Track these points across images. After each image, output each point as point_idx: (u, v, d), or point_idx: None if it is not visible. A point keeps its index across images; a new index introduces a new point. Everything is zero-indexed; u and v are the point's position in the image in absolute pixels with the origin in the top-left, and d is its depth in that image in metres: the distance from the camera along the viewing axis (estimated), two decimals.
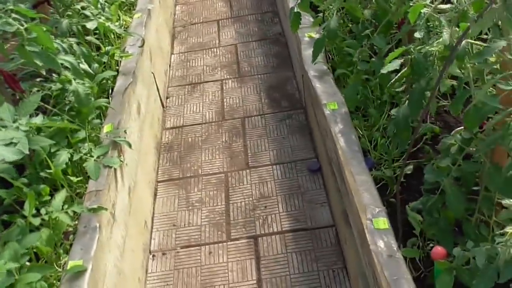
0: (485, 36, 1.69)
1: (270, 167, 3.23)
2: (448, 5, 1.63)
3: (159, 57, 3.93)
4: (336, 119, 2.57)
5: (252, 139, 3.47)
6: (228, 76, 4.13)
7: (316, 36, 3.16)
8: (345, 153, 2.37)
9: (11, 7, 2.06)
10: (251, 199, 3.05)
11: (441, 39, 1.49)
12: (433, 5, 1.60)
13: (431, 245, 1.86)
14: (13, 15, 2.04)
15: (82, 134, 2.29)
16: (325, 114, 2.65)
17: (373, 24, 2.68)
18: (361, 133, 2.57)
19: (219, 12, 5.08)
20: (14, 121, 1.74)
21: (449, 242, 1.72)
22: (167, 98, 3.97)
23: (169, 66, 4.33)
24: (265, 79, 4.05)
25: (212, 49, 4.51)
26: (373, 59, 2.50)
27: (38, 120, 1.80)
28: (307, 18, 3.28)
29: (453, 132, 2.34)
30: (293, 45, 4.06)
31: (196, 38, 4.72)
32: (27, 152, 1.61)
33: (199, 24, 4.94)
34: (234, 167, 3.28)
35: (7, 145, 1.60)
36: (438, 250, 1.58)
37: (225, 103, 3.84)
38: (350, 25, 3.01)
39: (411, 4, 1.71)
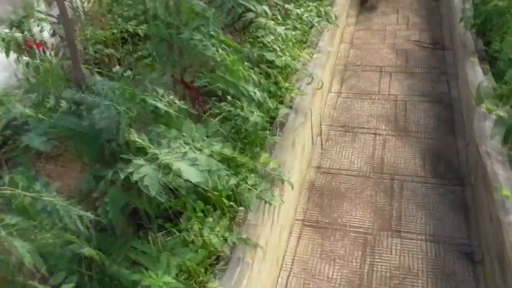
0: None
1: (419, 238, 3.02)
2: None
3: (324, 97, 3.93)
4: None
5: (405, 203, 3.28)
6: (388, 130, 4.00)
7: (498, 111, 2.92)
8: None
9: (212, 32, 2.16)
10: (391, 267, 2.87)
11: None
12: None
13: None
14: (212, 40, 2.14)
15: (250, 164, 2.32)
16: (500, 202, 2.41)
17: None
18: None
19: (390, 63, 4.99)
20: (197, 140, 1.80)
21: None
22: (325, 141, 3.92)
23: (332, 107, 4.31)
24: (427, 142, 3.84)
25: (376, 98, 4.42)
26: None
27: (219, 146, 1.84)
28: (485, 85, 3.07)
29: None
30: (460, 109, 3.83)
31: (363, 83, 4.67)
32: (207, 177, 1.64)
33: (368, 71, 4.88)
34: (380, 229, 3.11)
35: (192, 165, 1.65)
36: None
37: (382, 158, 3.70)
38: None
39: None
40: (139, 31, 3.13)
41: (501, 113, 2.84)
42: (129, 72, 2.15)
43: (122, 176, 1.62)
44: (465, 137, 3.59)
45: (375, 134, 3.95)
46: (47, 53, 3.47)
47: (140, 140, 1.60)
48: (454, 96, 4.29)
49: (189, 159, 1.76)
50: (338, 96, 4.47)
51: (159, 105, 1.73)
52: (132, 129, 1.61)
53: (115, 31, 4.09)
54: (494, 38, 3.57)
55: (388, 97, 4.41)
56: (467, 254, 2.88)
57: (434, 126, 4.00)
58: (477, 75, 3.47)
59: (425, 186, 3.41)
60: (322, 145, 3.84)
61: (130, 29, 4.19)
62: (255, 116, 2.40)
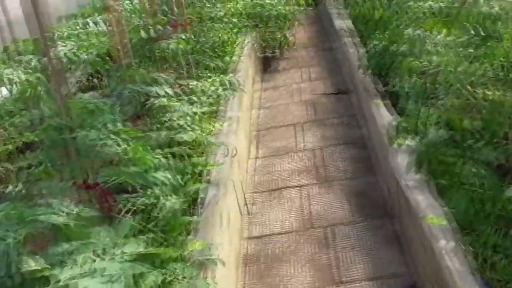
0: None
1: (363, 283, 2.97)
2: None
3: (242, 163, 3.92)
4: (442, 235, 2.36)
5: (340, 250, 3.25)
6: (311, 182, 4.03)
7: (407, 142, 3.04)
8: (455, 275, 2.13)
9: (110, 127, 2.10)
10: None
11: None
12: None
13: None
14: (111, 135, 2.07)
15: (173, 253, 2.20)
16: (428, 229, 2.45)
17: (473, 133, 2.52)
18: (473, 251, 2.31)
19: (300, 116, 5.13)
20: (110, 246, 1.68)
21: None
22: (250, 205, 3.88)
23: (251, 171, 4.31)
24: (349, 185, 3.91)
25: (294, 153, 4.48)
26: (482, 171, 2.32)
27: (133, 248, 1.73)
28: (394, 125, 3.19)
29: None
30: (376, 150, 3.95)
31: (279, 143, 4.73)
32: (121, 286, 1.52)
33: (282, 129, 4.97)
34: (324, 283, 3.04)
35: (102, 277, 1.52)
36: None
37: (310, 211, 3.70)
38: (451, 134, 2.86)
39: None
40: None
41: (411, 144, 2.95)
42: (20, 186, 2.00)
43: None
44: (384, 174, 3.68)
45: (300, 189, 3.96)
46: None
47: (37, 267, 1.45)
48: (367, 137, 4.44)
49: (97, 271, 1.62)
50: (258, 161, 4.48)
51: (53, 219, 1.59)
52: (26, 257, 1.45)
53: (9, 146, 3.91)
54: (391, 78, 3.78)
55: (305, 150, 4.49)
56: (410, 286, 2.87)
57: (354, 169, 4.09)
58: (383, 115, 3.64)
59: (356, 228, 3.42)
60: (249, 213, 3.78)
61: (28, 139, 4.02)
62: (171, 202, 2.31)
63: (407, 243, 3.11)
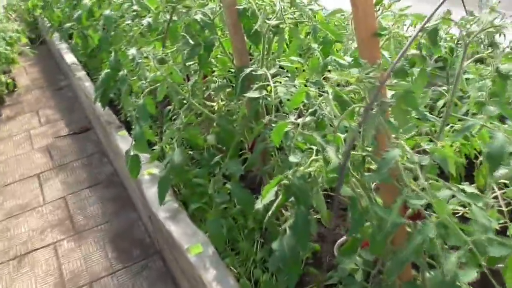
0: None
1: None
2: (309, 118, 1.42)
3: None
4: (205, 264, 2.18)
5: None
6: (61, 237, 3.50)
7: (157, 171, 2.82)
8: None
9: None
10: None
11: (322, 158, 1.26)
12: (298, 121, 1.38)
13: None
14: None
15: None
16: (190, 260, 2.25)
17: (218, 148, 2.43)
18: (236, 271, 2.21)
19: (38, 165, 4.49)
20: None
21: None
22: None
23: None
24: (106, 229, 3.51)
25: (37, 209, 3.86)
26: (227, 185, 2.21)
27: None
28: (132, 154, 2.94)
29: (335, 248, 2.12)
30: (131, 184, 3.65)
31: (14, 200, 4.02)
32: None
33: (15, 183, 4.26)
34: None
35: None
36: None
37: (64, 271, 3.18)
38: (191, 153, 2.73)
39: (273, 124, 1.48)
40: None
41: (153, 171, 2.72)
42: None
43: None
44: (143, 209, 3.40)
45: (50, 248, 3.40)
46: None
47: None
48: (117, 172, 4.11)
49: None
50: None
51: None
52: None
53: None
54: (123, 106, 3.52)
55: (51, 202, 3.91)
56: None
57: (111, 210, 3.71)
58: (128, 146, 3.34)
59: (124, 275, 3.07)
60: None
61: None
62: None
63: (178, 278, 2.88)
